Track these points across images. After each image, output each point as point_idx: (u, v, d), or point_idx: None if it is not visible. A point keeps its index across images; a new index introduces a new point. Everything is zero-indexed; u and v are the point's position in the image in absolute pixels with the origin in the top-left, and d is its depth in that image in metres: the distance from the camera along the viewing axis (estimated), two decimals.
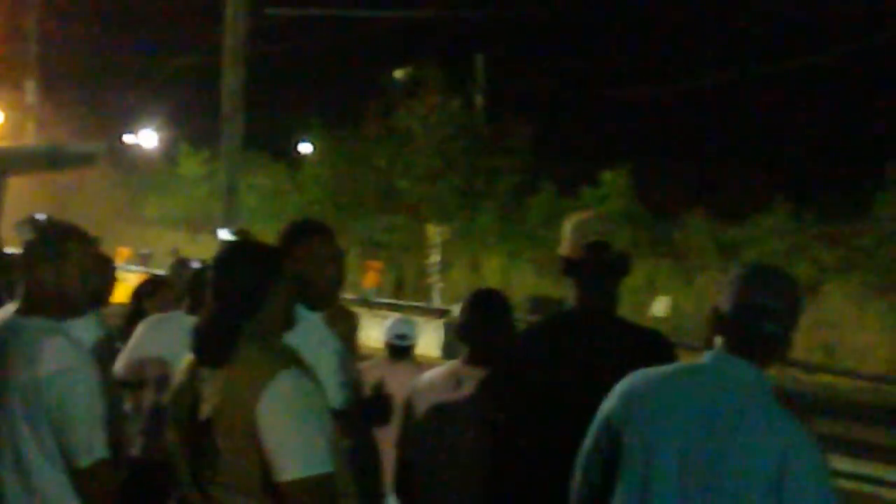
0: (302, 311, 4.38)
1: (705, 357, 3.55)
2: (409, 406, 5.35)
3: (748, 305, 3.48)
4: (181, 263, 8.38)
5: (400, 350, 7.54)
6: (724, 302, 3.53)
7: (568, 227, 4.47)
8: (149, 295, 9.14)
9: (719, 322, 3.55)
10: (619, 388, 3.62)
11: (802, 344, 29.53)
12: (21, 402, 4.14)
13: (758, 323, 3.47)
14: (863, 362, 28.45)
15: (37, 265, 4.34)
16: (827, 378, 24.19)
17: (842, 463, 12.31)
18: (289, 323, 3.93)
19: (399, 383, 5.89)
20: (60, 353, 4.19)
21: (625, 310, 4.43)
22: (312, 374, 3.80)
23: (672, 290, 31.50)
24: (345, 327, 4.86)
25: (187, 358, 3.85)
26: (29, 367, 4.14)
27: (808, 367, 24.62)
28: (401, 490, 5.40)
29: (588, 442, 3.66)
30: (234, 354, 3.66)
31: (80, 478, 4.15)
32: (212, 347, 3.69)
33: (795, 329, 3.54)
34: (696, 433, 3.39)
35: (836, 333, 29.78)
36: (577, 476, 3.71)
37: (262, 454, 3.57)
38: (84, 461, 4.12)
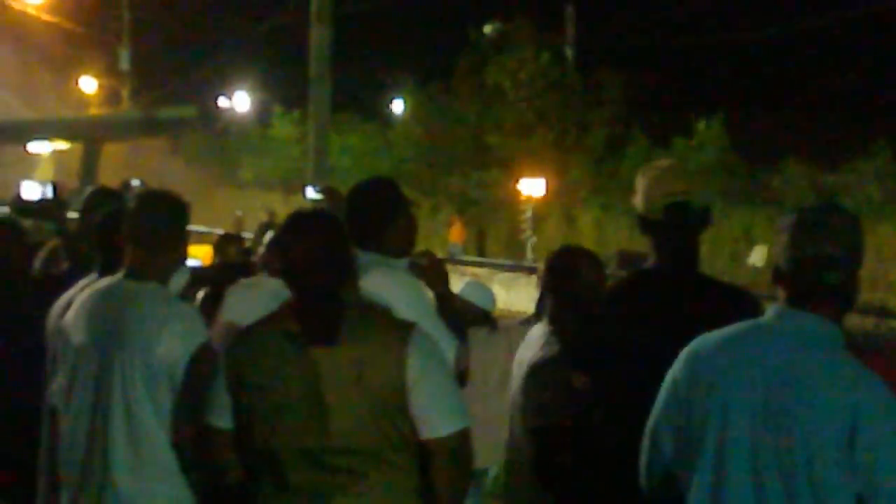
0: (388, 260, 4.58)
1: (768, 312, 3.41)
2: (515, 369, 5.32)
3: (803, 257, 3.31)
4: (265, 226, 8.39)
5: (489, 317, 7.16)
6: (779, 254, 3.38)
7: (643, 182, 4.32)
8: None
9: (777, 275, 3.39)
10: (685, 352, 3.49)
11: None
12: (142, 365, 4.19)
13: (816, 275, 3.31)
14: None
15: (145, 234, 4.42)
16: None
17: None
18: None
19: (478, 350, 5.84)
20: (183, 319, 4.29)
21: (723, 259, 4.33)
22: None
23: (770, 240, 31.07)
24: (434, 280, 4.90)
25: (268, 331, 3.79)
26: (152, 330, 4.20)
27: None
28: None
29: (657, 409, 3.55)
30: (349, 324, 3.68)
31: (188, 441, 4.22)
32: (327, 323, 3.68)
33: (857, 272, 3.35)
34: (765, 395, 3.26)
35: None
36: (647, 443, 3.60)
37: (407, 415, 3.64)
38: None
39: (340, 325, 3.66)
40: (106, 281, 4.49)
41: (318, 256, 3.73)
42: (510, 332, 6.90)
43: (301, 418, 3.66)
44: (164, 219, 4.46)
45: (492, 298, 7.27)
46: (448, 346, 4.47)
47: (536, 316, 6.45)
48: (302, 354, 3.66)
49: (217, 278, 7.88)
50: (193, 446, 4.17)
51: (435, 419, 3.67)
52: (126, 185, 9.28)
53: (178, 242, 4.50)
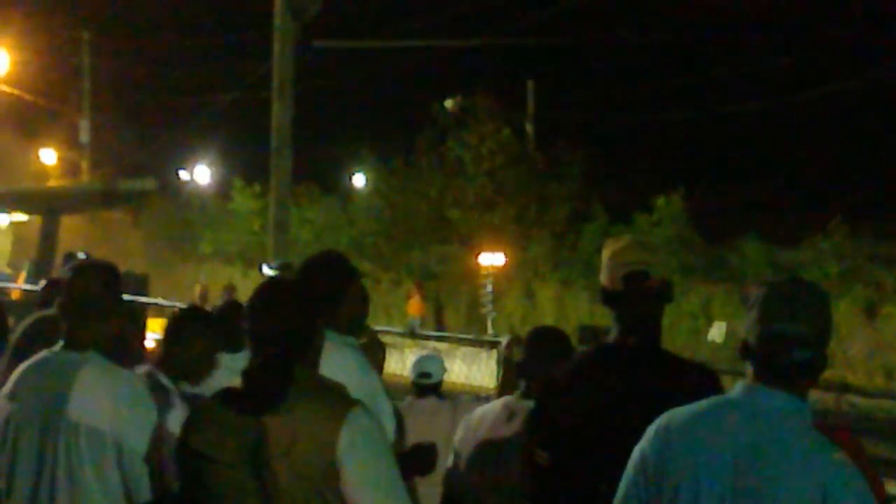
0: (339, 337, 4.54)
1: (736, 388, 3.38)
2: (460, 441, 5.31)
3: (772, 335, 3.28)
4: (228, 303, 8.40)
5: (424, 388, 7.32)
6: (748, 330, 3.34)
7: (605, 255, 4.34)
8: None
9: (746, 351, 3.36)
10: (654, 427, 3.46)
11: (862, 367, 29.24)
12: (87, 436, 4.15)
13: (786, 352, 3.27)
14: None
15: (76, 304, 4.40)
16: (888, 403, 23.84)
17: None
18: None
19: (423, 420, 5.83)
20: (127, 387, 4.27)
21: (681, 335, 4.30)
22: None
23: (728, 316, 31.19)
24: (376, 357, 4.92)
25: (213, 399, 3.80)
26: (96, 400, 4.17)
27: (867, 394, 24.32)
28: None
29: (624, 484, 3.50)
30: (293, 396, 3.62)
31: None
32: (270, 392, 3.63)
33: (826, 348, 3.34)
34: (735, 471, 3.23)
35: None
36: None
37: (338, 492, 3.57)
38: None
39: (283, 397, 3.61)
40: (44, 353, 4.44)
41: (277, 327, 3.71)
42: (456, 404, 6.99)
43: (237, 488, 3.61)
44: (95, 289, 4.43)
45: (439, 368, 7.41)
46: (389, 425, 4.45)
47: (501, 392, 6.46)
48: (242, 422, 3.62)
49: None
50: None
51: (365, 499, 3.60)
52: (69, 257, 9.37)
53: (112, 312, 4.46)
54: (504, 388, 6.54)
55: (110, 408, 4.15)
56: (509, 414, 5.16)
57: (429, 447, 5.04)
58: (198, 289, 32.84)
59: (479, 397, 7.22)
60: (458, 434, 5.37)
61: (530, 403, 4.96)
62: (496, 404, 5.34)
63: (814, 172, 43.59)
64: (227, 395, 3.74)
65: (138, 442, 4.18)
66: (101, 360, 4.31)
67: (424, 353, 7.58)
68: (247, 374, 3.69)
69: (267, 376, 3.66)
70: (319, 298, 3.98)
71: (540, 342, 5.33)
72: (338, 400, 3.69)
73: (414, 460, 5.03)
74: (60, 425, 4.16)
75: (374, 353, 5.70)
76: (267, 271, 9.21)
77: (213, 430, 3.68)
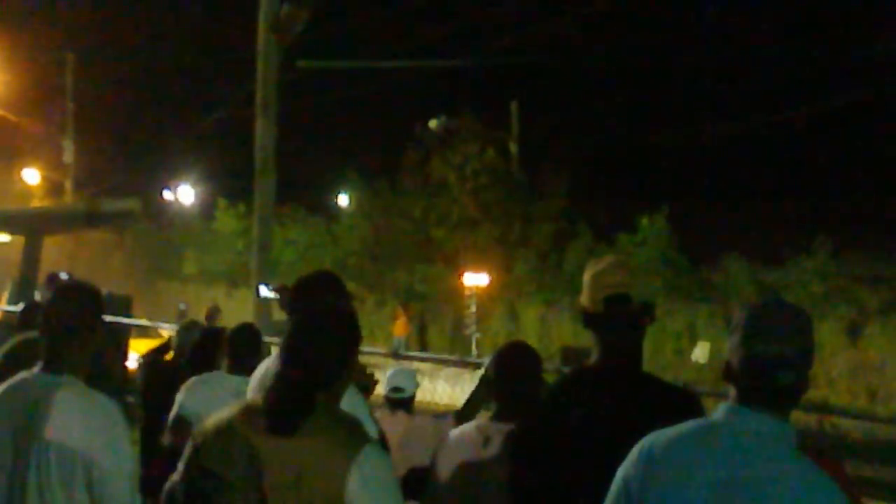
0: None
1: (719, 411, 3.35)
2: (434, 465, 5.25)
3: (755, 357, 3.26)
4: (190, 325, 8.46)
5: (396, 403, 7.30)
6: (731, 352, 3.32)
7: (586, 277, 4.31)
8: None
9: (729, 373, 3.34)
10: (637, 450, 3.42)
11: (845, 388, 29.25)
12: (57, 459, 4.11)
13: (769, 374, 3.25)
14: None
15: (54, 326, 4.38)
16: (870, 424, 23.85)
17: None
18: None
19: (389, 434, 5.84)
20: (100, 412, 4.22)
21: (666, 355, 4.26)
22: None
23: (713, 336, 31.19)
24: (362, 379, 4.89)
25: (229, 417, 3.72)
26: (66, 423, 4.13)
27: (850, 414, 24.32)
28: None
29: None
30: (309, 423, 3.58)
31: None
32: (289, 415, 3.58)
33: (809, 370, 3.32)
34: (718, 494, 3.19)
35: (880, 376, 29.43)
36: None
37: None
38: None
39: (300, 424, 3.55)
40: (22, 374, 4.42)
41: (312, 354, 3.69)
42: (415, 422, 7.04)
43: None
44: (74, 312, 4.41)
45: (410, 383, 7.39)
46: None
47: (463, 411, 6.42)
48: (254, 444, 3.56)
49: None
50: None
51: None
52: (52, 278, 9.38)
53: (91, 335, 4.42)
54: (467, 406, 6.46)
55: (82, 429, 4.12)
56: (485, 438, 5.09)
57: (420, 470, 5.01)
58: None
59: (436, 415, 7.17)
60: (435, 459, 5.32)
61: (505, 426, 4.93)
62: (470, 427, 5.26)
63: (798, 192, 43.70)
64: (243, 413, 3.68)
65: (111, 465, 4.13)
66: (77, 384, 4.29)
67: (391, 370, 7.56)
68: (268, 395, 3.65)
69: (288, 400, 3.61)
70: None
71: (509, 360, 5.22)
72: (352, 435, 3.62)
73: (412, 484, 5.03)
74: (32, 445, 4.14)
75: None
76: (265, 293, 9.23)
77: (223, 448, 3.62)
